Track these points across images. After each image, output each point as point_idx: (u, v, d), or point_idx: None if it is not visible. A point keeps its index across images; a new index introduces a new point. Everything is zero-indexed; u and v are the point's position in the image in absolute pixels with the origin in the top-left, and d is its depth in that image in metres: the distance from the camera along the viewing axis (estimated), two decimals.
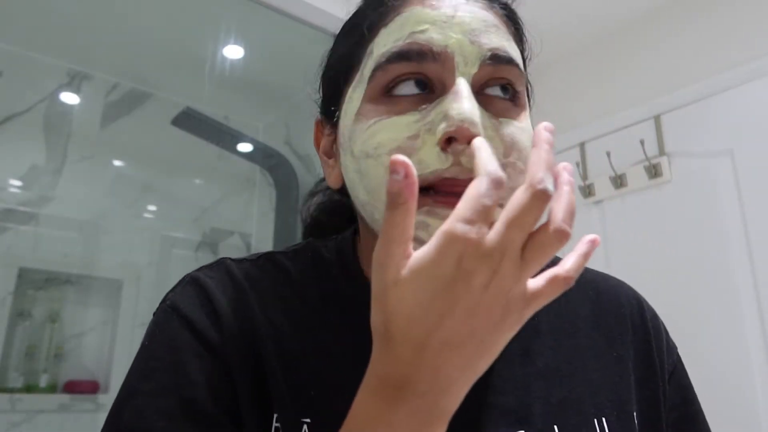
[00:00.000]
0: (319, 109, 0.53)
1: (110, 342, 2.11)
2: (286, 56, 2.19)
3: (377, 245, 0.33)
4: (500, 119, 0.41)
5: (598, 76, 2.12)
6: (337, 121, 0.47)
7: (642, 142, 1.85)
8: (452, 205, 0.33)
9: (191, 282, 0.47)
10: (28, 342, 1.97)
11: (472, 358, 0.32)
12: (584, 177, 2.05)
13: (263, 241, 2.48)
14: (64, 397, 1.98)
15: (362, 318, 0.47)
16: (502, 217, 0.31)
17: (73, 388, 2.00)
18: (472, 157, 0.34)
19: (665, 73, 1.91)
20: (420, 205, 0.38)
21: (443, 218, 0.34)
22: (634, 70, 2.01)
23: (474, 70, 0.40)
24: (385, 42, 0.42)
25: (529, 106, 0.47)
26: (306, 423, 0.43)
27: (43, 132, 2.11)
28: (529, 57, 0.49)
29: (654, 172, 1.85)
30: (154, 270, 2.23)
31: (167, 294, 0.48)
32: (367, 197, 0.42)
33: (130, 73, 2.28)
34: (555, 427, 0.45)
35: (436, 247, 0.31)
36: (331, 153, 0.50)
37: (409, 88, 0.41)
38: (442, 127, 0.38)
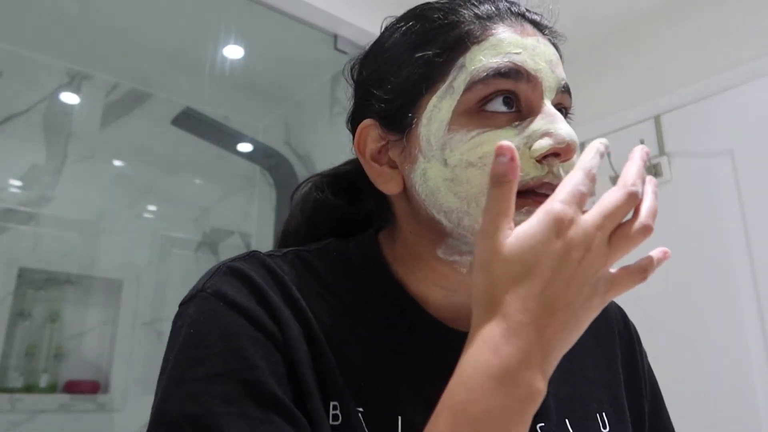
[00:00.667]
0: (352, 114, 0.54)
1: (110, 342, 2.11)
2: (286, 56, 2.19)
3: (482, 221, 0.38)
4: None
5: (598, 76, 2.12)
6: (414, 129, 0.47)
7: (642, 142, 1.85)
8: None
9: (231, 272, 0.46)
10: (28, 342, 1.97)
11: (567, 326, 0.36)
12: None
13: (263, 241, 2.48)
14: (64, 397, 1.97)
15: (394, 317, 0.50)
16: (597, 206, 0.37)
17: (73, 388, 2.00)
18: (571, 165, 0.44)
19: (665, 73, 1.91)
20: (520, 206, 0.43)
21: None
22: (634, 70, 2.01)
23: (553, 95, 0.46)
24: (481, 58, 0.45)
25: None
26: (360, 412, 0.44)
27: (43, 132, 2.11)
28: None
29: (654, 172, 1.85)
30: (154, 270, 2.23)
31: (203, 283, 0.46)
32: (459, 204, 0.45)
33: (130, 73, 2.28)
34: (566, 420, 0.51)
35: (537, 221, 0.36)
36: (383, 159, 0.50)
37: (497, 105, 0.45)
38: (545, 143, 0.43)
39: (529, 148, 0.44)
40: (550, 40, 0.50)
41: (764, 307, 1.55)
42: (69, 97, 2.21)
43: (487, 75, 0.44)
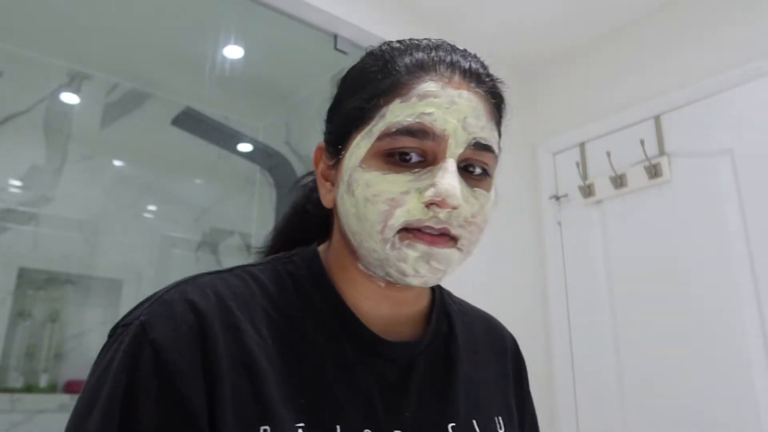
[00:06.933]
0: (324, 136, 0.60)
1: None
2: (286, 56, 2.19)
3: None
4: (474, 189, 0.52)
5: (598, 76, 2.12)
6: (342, 158, 0.54)
7: (642, 142, 1.85)
8: (427, 241, 0.48)
9: (170, 299, 0.47)
10: (28, 342, 1.97)
11: None
12: (584, 177, 2.05)
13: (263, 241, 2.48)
14: (64, 397, 1.98)
15: (335, 328, 0.54)
16: None
17: (73, 388, 2.00)
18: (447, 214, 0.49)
19: (665, 73, 1.91)
20: (403, 239, 0.49)
21: (419, 251, 0.48)
22: (634, 70, 2.01)
23: (461, 150, 0.50)
24: (398, 113, 0.50)
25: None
26: (301, 427, 0.47)
27: (43, 132, 2.11)
28: (503, 127, 0.58)
29: (654, 172, 1.85)
30: (154, 270, 2.23)
31: (141, 310, 0.47)
32: (359, 228, 0.51)
33: (130, 73, 2.28)
34: (473, 421, 0.57)
35: None
36: (329, 177, 0.57)
37: (396, 158, 0.50)
38: (430, 193, 0.48)
39: (421, 193, 0.49)
40: (480, 95, 0.52)
41: (764, 307, 1.55)
42: (69, 97, 2.21)
43: (396, 131, 0.49)
